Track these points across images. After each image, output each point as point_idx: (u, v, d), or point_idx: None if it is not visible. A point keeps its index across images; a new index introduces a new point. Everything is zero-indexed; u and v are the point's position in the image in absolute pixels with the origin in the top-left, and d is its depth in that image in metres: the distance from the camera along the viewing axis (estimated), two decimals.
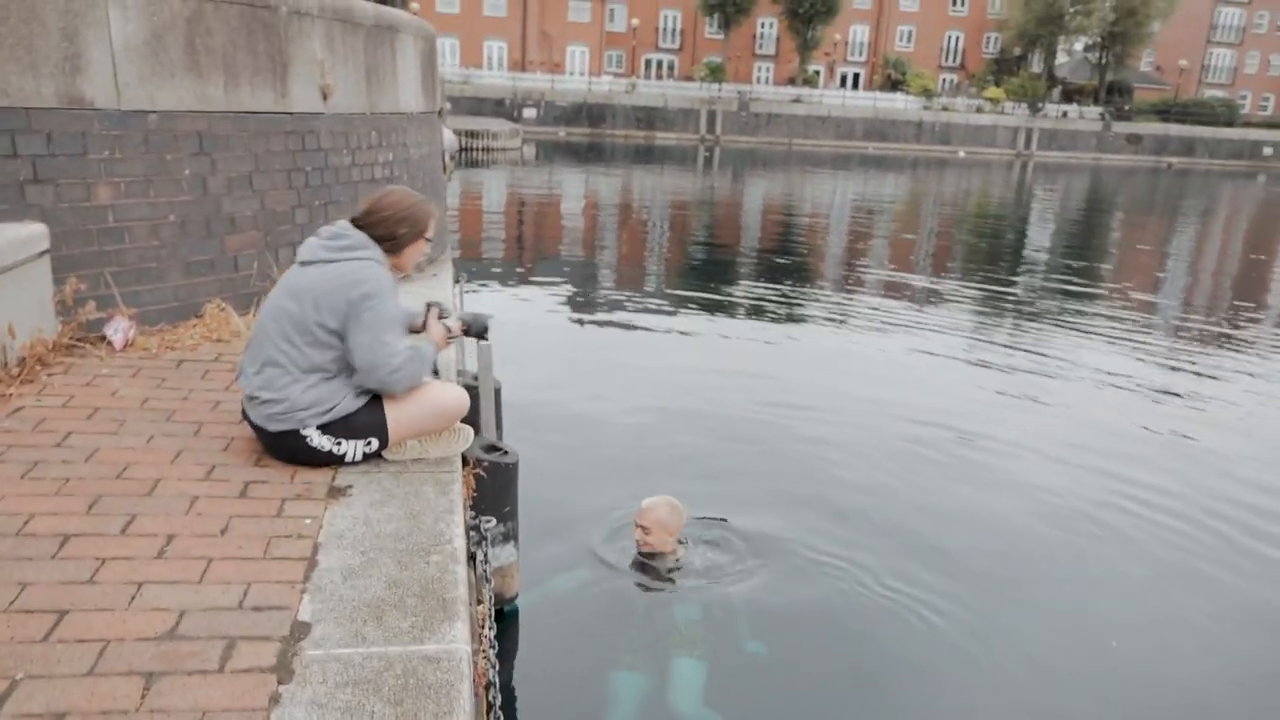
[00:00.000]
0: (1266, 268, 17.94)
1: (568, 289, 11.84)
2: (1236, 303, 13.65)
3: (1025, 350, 9.63)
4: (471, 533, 3.18)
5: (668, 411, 7.01)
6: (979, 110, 56.20)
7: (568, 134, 49.35)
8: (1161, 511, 5.64)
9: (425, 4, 47.90)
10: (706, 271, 14.06)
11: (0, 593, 2.15)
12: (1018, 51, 61.79)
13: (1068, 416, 7.48)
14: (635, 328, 9.85)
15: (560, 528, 4.83)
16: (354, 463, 2.98)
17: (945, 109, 55.92)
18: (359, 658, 2.01)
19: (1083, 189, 36.02)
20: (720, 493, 5.43)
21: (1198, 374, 9.06)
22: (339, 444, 2.94)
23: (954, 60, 65.21)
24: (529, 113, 49.46)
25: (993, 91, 57.70)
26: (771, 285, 12.78)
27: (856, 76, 63.29)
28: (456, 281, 6.61)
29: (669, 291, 12.04)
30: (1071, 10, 57.60)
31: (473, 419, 3.69)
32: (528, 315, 10.11)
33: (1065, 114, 57.93)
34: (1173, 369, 9.26)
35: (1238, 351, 10.20)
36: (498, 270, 12.80)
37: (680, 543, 4.54)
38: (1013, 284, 14.27)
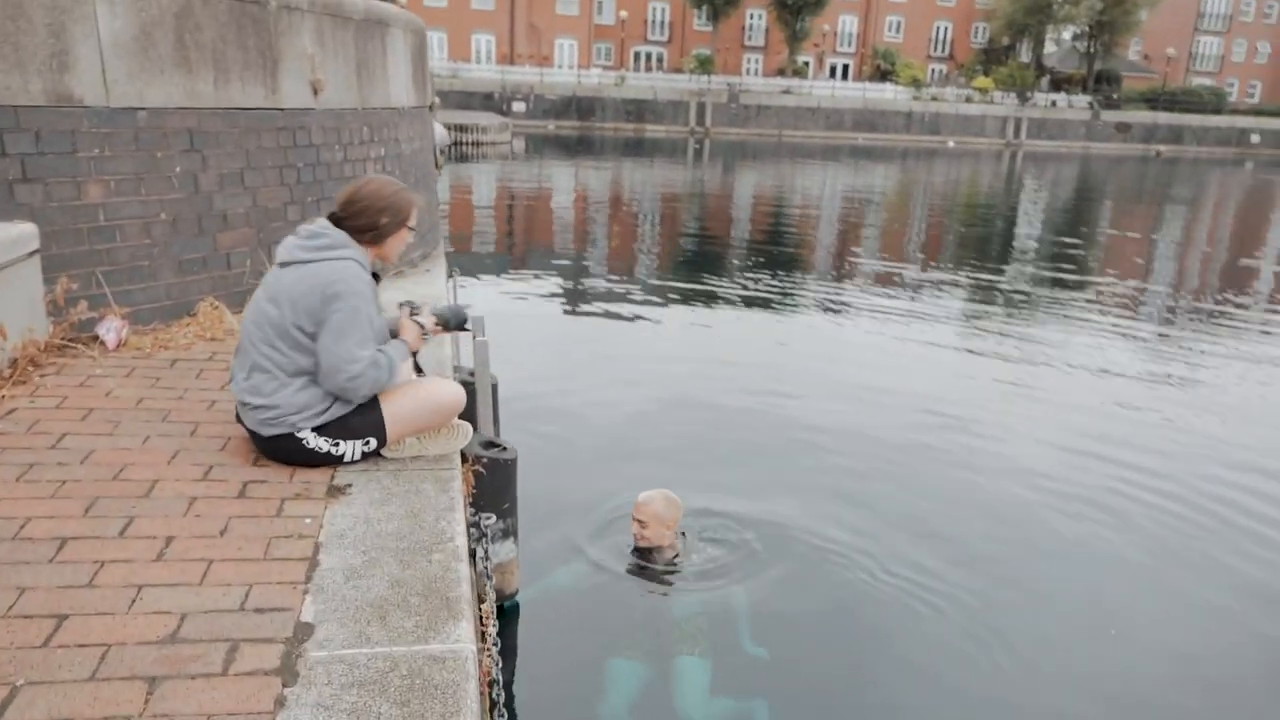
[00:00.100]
0: (1255, 254, 18.01)
1: (560, 282, 11.81)
2: (1225, 288, 13.70)
3: (1017, 337, 9.66)
4: (472, 530, 3.16)
5: (663, 403, 7.01)
6: (968, 100, 56.24)
7: (557, 127, 49.19)
8: (1157, 494, 5.67)
9: None
10: (698, 263, 14.04)
11: None
12: (1006, 41, 61.81)
13: (1062, 402, 7.50)
14: (628, 320, 9.83)
15: (558, 522, 4.81)
16: (353, 462, 2.96)
17: (934, 99, 55.94)
18: (363, 658, 1.99)
19: (1072, 178, 36.11)
20: (717, 483, 5.42)
21: (1191, 358, 9.10)
22: (336, 444, 2.91)
23: (943, 50, 65.22)
24: (518, 106, 49.28)
25: (981, 81, 57.73)
26: (763, 276, 12.78)
27: (846, 67, 63.23)
28: (449, 276, 6.58)
29: (661, 283, 12.02)
30: None
31: (470, 415, 3.66)
32: (521, 309, 10.08)
33: (1054, 103, 58.02)
34: (1165, 353, 9.30)
35: (1229, 336, 10.24)
36: (490, 264, 12.76)
37: (679, 535, 4.53)
38: (1004, 272, 14.31)
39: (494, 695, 2.61)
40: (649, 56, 61.64)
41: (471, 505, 3.41)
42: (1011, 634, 4.14)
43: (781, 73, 58.80)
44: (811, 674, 3.80)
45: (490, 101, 48.62)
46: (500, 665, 2.72)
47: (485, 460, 3.56)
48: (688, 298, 11.09)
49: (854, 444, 6.30)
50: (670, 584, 4.28)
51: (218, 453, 3.01)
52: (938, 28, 64.72)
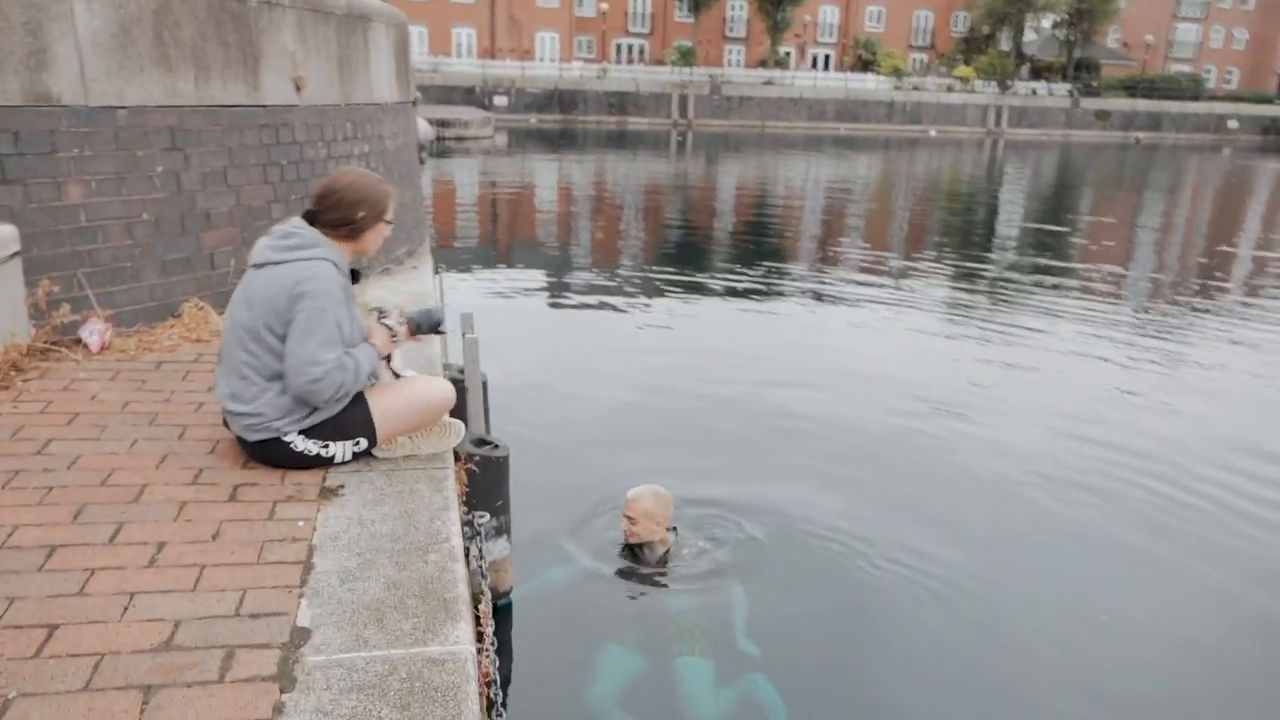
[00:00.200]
0: (1233, 238, 18.16)
1: (546, 276, 11.77)
2: (1205, 273, 13.80)
3: (1003, 323, 9.70)
4: (465, 529, 3.14)
5: (652, 395, 7.00)
6: (949, 89, 56.40)
7: (539, 121, 48.99)
8: (1146, 475, 5.75)
9: None
10: (683, 255, 14.03)
11: None
12: (986, 30, 62.01)
13: (1049, 386, 7.56)
14: (615, 313, 9.81)
15: (551, 519, 4.80)
16: (344, 463, 2.93)
17: (916, 89, 56.06)
18: (362, 662, 1.97)
19: (1053, 165, 36.30)
20: (708, 476, 5.43)
21: (1174, 341, 9.18)
22: (326, 446, 2.88)
23: (924, 40, 65.36)
24: (500, 100, 49.02)
25: (962, 70, 57.91)
26: (748, 267, 12.78)
27: (827, 58, 63.28)
28: (436, 273, 6.54)
29: (647, 276, 12.00)
30: None
31: (460, 412, 3.64)
32: (507, 304, 10.04)
33: (1034, 91, 58.27)
34: (1149, 337, 9.37)
35: (1211, 319, 10.33)
36: (476, 260, 12.70)
37: (670, 530, 4.52)
38: (987, 260, 14.37)
39: (491, 695, 2.60)
40: (630, 49, 61.46)
41: (464, 504, 3.39)
42: (1005, 619, 4.17)
43: (763, 64, 58.77)
44: (808, 665, 3.80)
45: (472, 96, 48.32)
46: (497, 664, 2.71)
47: (478, 458, 3.54)
48: (673, 289, 11.08)
49: (844, 432, 6.32)
50: (663, 580, 4.28)
51: (207, 456, 2.98)
52: (918, 17, 64.84)
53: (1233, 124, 59.00)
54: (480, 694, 2.44)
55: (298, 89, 4.99)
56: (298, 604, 2.17)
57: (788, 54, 60.94)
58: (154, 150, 4.22)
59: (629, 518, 4.39)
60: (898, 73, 57.51)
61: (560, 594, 4.20)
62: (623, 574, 4.32)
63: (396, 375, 3.26)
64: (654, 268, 12.86)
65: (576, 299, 10.54)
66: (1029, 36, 63.98)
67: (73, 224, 3.99)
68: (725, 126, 51.38)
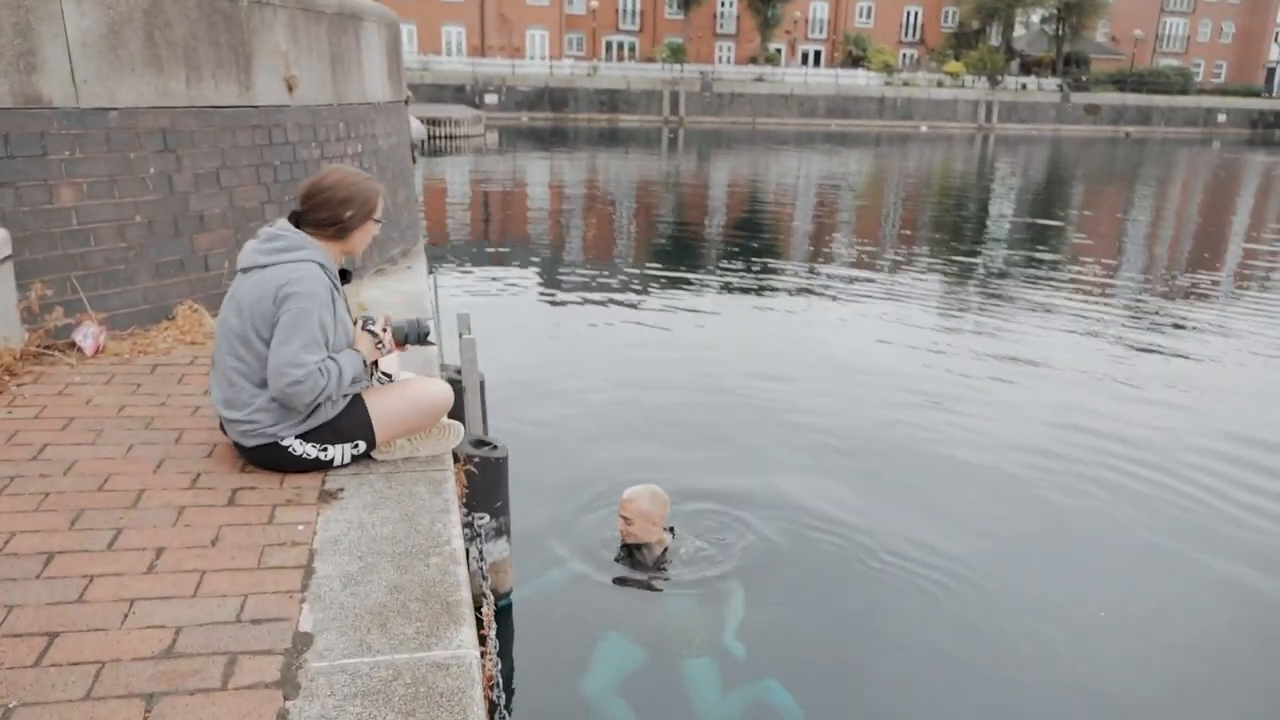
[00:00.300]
0: (1224, 230, 18.23)
1: (540, 275, 11.75)
2: (1196, 265, 13.86)
3: (995, 318, 9.71)
4: (465, 530, 3.13)
5: (648, 392, 7.00)
6: (939, 85, 56.49)
7: (530, 119, 48.91)
8: (1142, 465, 5.79)
9: None
10: (676, 252, 14.03)
11: None
12: (976, 25, 62.11)
13: (1043, 379, 7.59)
14: (609, 310, 9.80)
15: (549, 519, 4.79)
16: (343, 466, 2.91)
17: (906, 84, 56.13)
18: (366, 668, 1.96)
19: (1044, 160, 36.39)
20: (707, 474, 5.43)
21: (1168, 332, 9.20)
22: (324, 449, 2.86)
23: (913, 35, 65.43)
24: (490, 98, 48.89)
25: (953, 65, 57.99)
26: (742, 263, 12.78)
27: (818, 54, 63.28)
28: (430, 273, 6.52)
29: (641, 273, 11.99)
30: None
31: (458, 414, 3.63)
32: (501, 302, 10.02)
33: (1024, 86, 58.41)
34: (1143, 329, 9.39)
35: (1204, 310, 10.36)
36: (469, 259, 12.66)
37: (668, 529, 4.51)
38: (979, 254, 14.40)
39: (494, 698, 2.58)
40: (621, 46, 61.38)
41: (464, 505, 3.37)
42: (1004, 616, 4.17)
43: (754, 60, 58.75)
44: (807, 665, 3.80)
45: (462, 94, 48.19)
46: (500, 666, 2.69)
47: (477, 460, 3.53)
48: (667, 286, 11.07)
49: (840, 428, 6.32)
50: (660, 581, 4.26)
51: (204, 460, 2.96)
52: (908, 12, 64.91)
53: (1221, 117, 59.24)
54: (485, 697, 2.43)
55: (290, 89, 4.96)
56: (299, 609, 2.15)
57: (778, 50, 60.95)
58: (146, 152, 4.19)
59: (625, 518, 4.37)
60: (888, 69, 57.57)
61: (559, 595, 4.19)
62: (620, 575, 4.32)
63: (388, 378, 3.23)
64: (647, 265, 12.85)
65: (570, 297, 10.52)
66: (1018, 31, 64.12)
67: (65, 227, 3.95)
68: (716, 123, 51.37)
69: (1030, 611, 4.24)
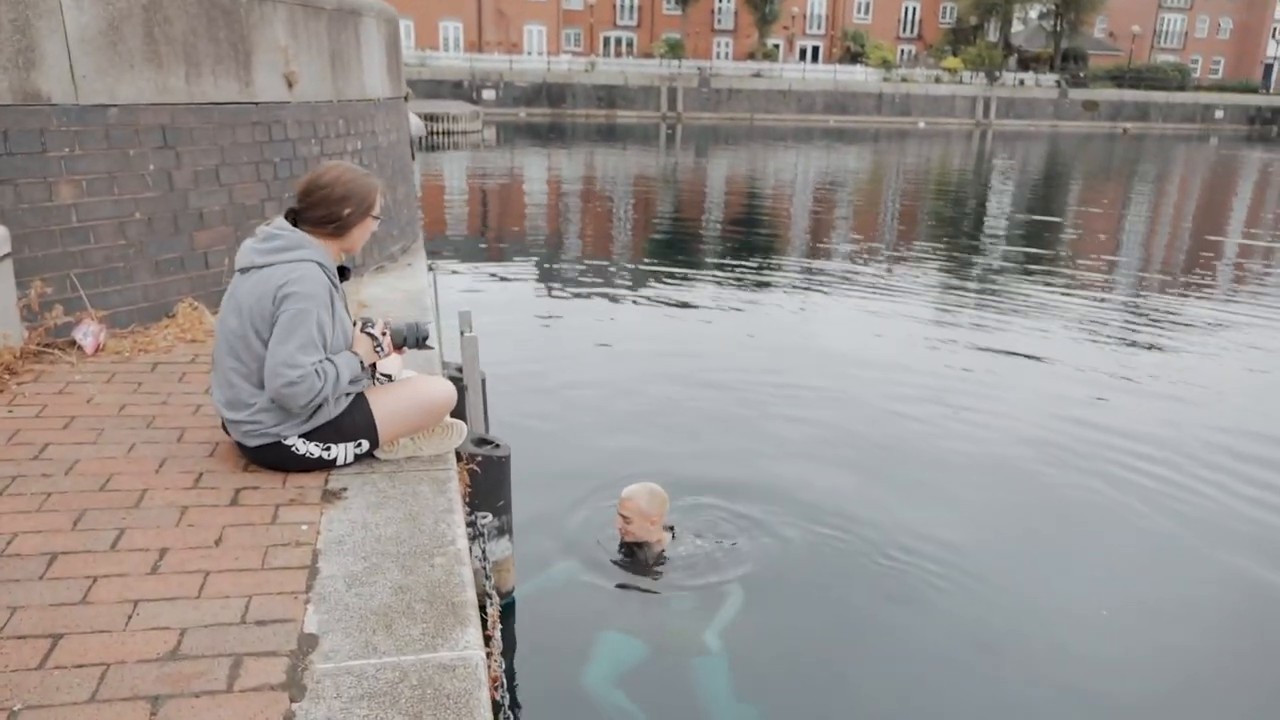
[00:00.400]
0: (1221, 227, 18.24)
1: (539, 270, 11.73)
2: (1194, 261, 13.87)
3: (994, 313, 9.71)
4: (468, 530, 3.12)
5: (647, 388, 6.99)
6: (937, 80, 56.47)
7: (528, 115, 48.84)
8: (1140, 458, 5.78)
9: None
10: (675, 247, 14.01)
11: None
12: (974, 21, 62.09)
13: (1042, 374, 7.59)
14: (609, 305, 9.79)
15: (549, 516, 4.78)
16: (345, 465, 2.90)
17: (904, 80, 56.11)
18: (372, 669, 1.95)
19: (1042, 156, 36.40)
20: (707, 469, 5.42)
21: (1166, 328, 9.20)
22: (328, 449, 2.84)
23: (911, 31, 65.39)
24: (488, 94, 48.81)
25: (950, 61, 57.97)
26: (742, 259, 12.77)
27: (816, 50, 63.23)
28: (430, 269, 6.50)
29: (640, 268, 11.98)
30: None
31: (460, 412, 3.61)
32: (500, 298, 10.00)
33: (1022, 82, 58.41)
34: (1141, 324, 9.39)
35: (1203, 307, 10.36)
36: (468, 255, 12.64)
37: (667, 528, 4.50)
38: (978, 250, 14.40)
39: (498, 698, 2.58)
40: (618, 41, 61.28)
41: (466, 504, 3.37)
42: (1005, 615, 4.17)
43: (752, 56, 58.70)
44: (807, 664, 3.79)
45: (459, 90, 48.10)
46: (504, 666, 2.69)
47: (479, 459, 3.52)
48: (665, 281, 11.06)
49: (841, 424, 6.32)
50: (659, 581, 4.24)
51: (206, 459, 2.94)
52: (906, 8, 64.86)
53: (1219, 113, 59.29)
54: (491, 698, 2.42)
55: (290, 85, 4.94)
56: (304, 610, 2.14)
57: (776, 46, 60.89)
58: (146, 149, 4.17)
59: (623, 516, 4.36)
60: (886, 64, 57.56)
61: (561, 593, 4.18)
62: (621, 573, 4.30)
63: (387, 379, 3.21)
64: (646, 260, 12.84)
65: (570, 292, 10.51)
66: (1016, 27, 64.09)
67: (64, 224, 3.94)
68: (714, 119, 51.33)
69: (1031, 611, 4.23)
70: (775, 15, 58.29)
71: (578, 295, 10.34)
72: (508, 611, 3.90)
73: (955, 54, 59.40)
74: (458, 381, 3.76)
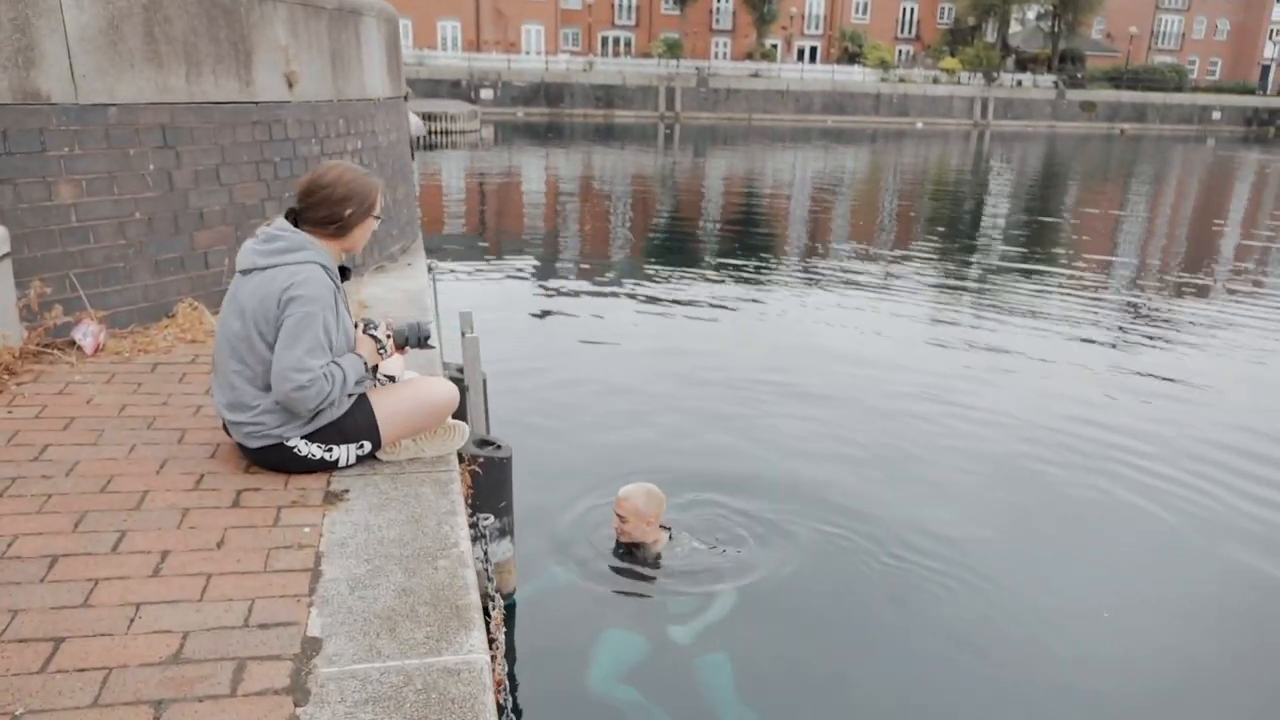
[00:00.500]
0: (1220, 227, 18.26)
1: (538, 270, 11.72)
2: (1192, 261, 13.88)
3: (994, 313, 9.71)
4: (470, 531, 3.11)
5: (647, 389, 6.98)
6: (935, 81, 56.51)
7: (526, 114, 48.81)
8: (1140, 456, 5.79)
9: None
10: (674, 247, 14.00)
11: None
12: (972, 21, 62.12)
13: (1043, 374, 7.58)
14: (605, 306, 9.78)
15: (549, 516, 4.77)
16: (348, 466, 2.89)
17: (902, 80, 56.15)
18: (376, 673, 1.94)
19: (1040, 157, 36.43)
20: (706, 468, 5.41)
21: (1165, 327, 9.21)
22: (330, 450, 2.83)
23: (909, 31, 65.41)
24: (486, 94, 48.78)
25: (948, 62, 58.00)
26: (741, 258, 12.76)
27: (814, 50, 63.24)
28: (430, 269, 6.48)
29: (639, 268, 11.96)
30: None
31: (461, 413, 3.60)
32: (499, 297, 9.99)
33: (1020, 83, 58.46)
34: (1139, 323, 9.40)
35: (1202, 306, 10.37)
36: (467, 255, 12.62)
37: (664, 528, 4.48)
38: (976, 250, 14.41)
39: (501, 700, 2.57)
40: (616, 41, 61.25)
41: (469, 506, 3.36)
42: (1005, 615, 4.16)
43: (750, 56, 58.69)
44: (807, 663, 3.78)
45: (457, 89, 48.07)
46: (507, 669, 2.68)
47: (481, 460, 3.50)
48: (665, 280, 11.05)
49: (841, 422, 6.31)
50: (656, 582, 4.23)
51: (207, 460, 2.93)
52: (904, 9, 64.88)
53: (1216, 115, 59.37)
54: (495, 700, 2.41)
55: (290, 85, 4.92)
56: (307, 613, 2.13)
57: (774, 46, 60.89)
58: (145, 148, 4.16)
59: (620, 516, 4.35)
60: (884, 65, 57.58)
61: (562, 593, 4.17)
62: (621, 572, 4.29)
63: (390, 379, 3.20)
64: (645, 260, 12.83)
65: (568, 292, 10.49)
66: (1014, 28, 64.12)
67: (64, 224, 3.92)
68: (712, 119, 51.34)
69: (1032, 610, 4.23)
70: (773, 15, 58.29)
71: (575, 294, 10.33)
72: (509, 612, 3.89)
73: (953, 54, 59.43)
74: (459, 382, 3.74)
